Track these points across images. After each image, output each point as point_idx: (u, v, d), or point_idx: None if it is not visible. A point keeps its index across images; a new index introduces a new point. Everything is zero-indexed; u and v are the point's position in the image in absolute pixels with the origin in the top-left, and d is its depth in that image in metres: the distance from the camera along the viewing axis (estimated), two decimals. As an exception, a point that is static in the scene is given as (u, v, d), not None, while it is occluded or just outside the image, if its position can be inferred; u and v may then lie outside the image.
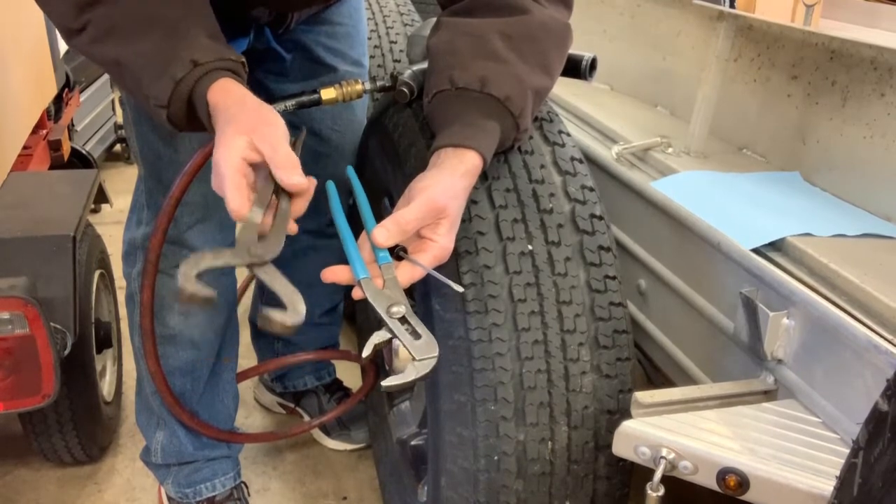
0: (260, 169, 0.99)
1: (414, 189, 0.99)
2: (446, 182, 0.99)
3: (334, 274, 0.99)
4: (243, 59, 1.09)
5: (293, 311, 0.89)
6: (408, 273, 0.98)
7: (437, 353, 0.91)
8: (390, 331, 0.92)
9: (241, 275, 1.94)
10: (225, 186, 0.95)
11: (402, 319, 0.93)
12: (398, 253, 0.99)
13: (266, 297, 1.91)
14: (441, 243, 0.98)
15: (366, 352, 0.93)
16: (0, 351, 1.39)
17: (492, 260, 1.09)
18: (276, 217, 0.97)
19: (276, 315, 0.88)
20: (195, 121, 1.06)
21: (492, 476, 1.09)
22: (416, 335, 0.92)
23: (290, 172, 0.97)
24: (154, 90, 1.03)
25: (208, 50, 1.04)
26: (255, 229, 0.95)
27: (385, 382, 0.91)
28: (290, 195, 0.99)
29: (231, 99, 1.02)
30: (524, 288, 1.08)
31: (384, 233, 0.96)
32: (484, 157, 1.03)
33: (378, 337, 0.93)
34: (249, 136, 0.97)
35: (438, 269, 1.00)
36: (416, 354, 0.91)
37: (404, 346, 0.91)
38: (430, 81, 1.10)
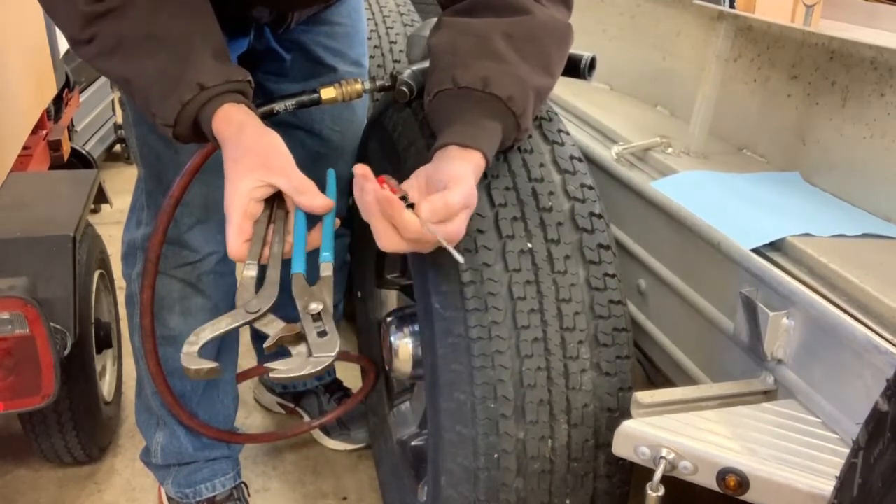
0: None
1: (443, 175, 0.98)
2: (465, 170, 0.99)
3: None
4: (249, 78, 1.10)
5: (299, 356, 0.92)
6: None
7: (335, 353, 0.92)
8: (301, 326, 0.94)
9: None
10: (228, 229, 0.99)
11: (316, 316, 0.94)
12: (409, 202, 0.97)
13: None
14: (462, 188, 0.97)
15: (269, 341, 0.94)
16: (0, 351, 1.39)
17: (491, 258, 1.09)
18: (270, 262, 1.00)
19: (280, 365, 0.91)
20: (201, 136, 1.08)
21: (492, 474, 1.09)
22: (323, 333, 0.93)
23: (313, 197, 1.02)
24: (161, 110, 1.05)
25: (214, 73, 1.05)
26: (252, 285, 0.98)
27: (273, 374, 0.91)
28: (285, 235, 1.03)
29: (232, 128, 1.04)
30: (524, 286, 1.08)
31: (431, 210, 0.95)
32: (487, 157, 1.03)
33: (286, 330, 0.94)
34: (258, 171, 1.00)
35: (438, 258, 1.02)
36: (313, 350, 0.92)
37: (306, 340, 0.92)
38: (431, 80, 1.10)
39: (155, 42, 1.05)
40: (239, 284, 0.98)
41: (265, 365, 0.93)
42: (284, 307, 1.99)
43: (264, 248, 1.01)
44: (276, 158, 1.03)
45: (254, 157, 1.02)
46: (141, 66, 1.06)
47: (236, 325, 0.96)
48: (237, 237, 0.99)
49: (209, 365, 0.92)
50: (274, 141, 1.05)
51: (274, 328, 0.95)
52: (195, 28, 1.08)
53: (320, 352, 0.92)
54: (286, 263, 1.01)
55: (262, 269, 1.00)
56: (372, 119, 1.50)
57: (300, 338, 0.94)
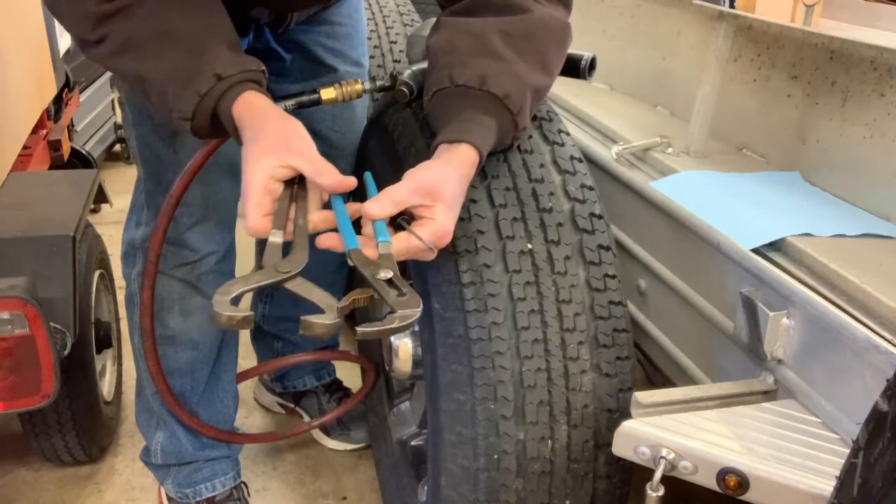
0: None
1: (405, 175, 1.01)
2: (436, 168, 1.01)
3: (329, 239, 1.00)
4: (263, 68, 1.10)
5: (331, 312, 0.91)
6: (404, 242, 0.98)
7: (419, 308, 0.91)
8: (374, 289, 0.93)
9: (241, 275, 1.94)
10: (247, 204, 0.98)
11: (389, 282, 0.94)
12: (400, 222, 1.00)
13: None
14: (439, 221, 0.99)
15: (343, 302, 0.93)
16: (0, 351, 1.39)
17: (491, 259, 1.09)
18: (295, 231, 0.99)
19: (316, 319, 0.90)
20: (219, 129, 1.08)
21: (492, 475, 1.09)
22: (401, 294, 0.92)
23: (333, 176, 1.01)
24: (179, 104, 1.05)
25: (230, 63, 1.05)
26: (279, 250, 0.97)
27: (361, 328, 0.90)
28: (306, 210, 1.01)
29: (254, 113, 1.04)
30: (524, 286, 1.08)
31: (376, 205, 0.98)
32: (478, 148, 1.03)
33: (359, 292, 0.93)
34: (280, 153, 0.99)
35: (438, 259, 1.01)
36: (396, 307, 0.91)
37: (386, 301, 0.91)
38: (430, 80, 1.11)
39: (168, 38, 1.05)
40: (267, 247, 0.97)
41: (359, 328, 0.91)
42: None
43: (287, 223, 0.99)
44: (298, 142, 1.02)
45: (275, 139, 1.01)
46: (155, 63, 1.06)
47: (267, 282, 0.94)
48: (256, 210, 0.97)
49: (243, 313, 0.90)
50: (296, 126, 1.04)
51: (305, 291, 0.94)
52: (207, 21, 1.08)
53: (403, 308, 0.91)
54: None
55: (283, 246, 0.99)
56: (372, 119, 1.49)
57: (372, 300, 0.93)
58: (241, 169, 1.01)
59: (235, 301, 0.92)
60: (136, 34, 1.05)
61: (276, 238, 0.97)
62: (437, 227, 0.98)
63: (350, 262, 0.97)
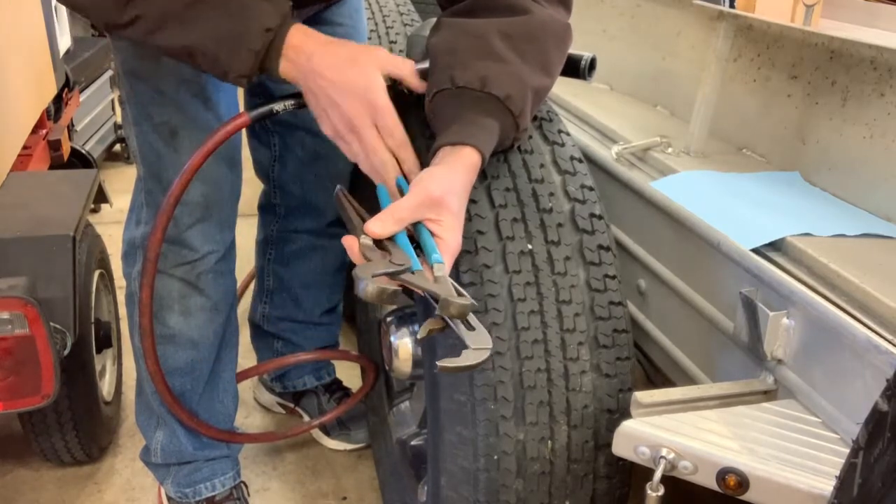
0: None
1: (411, 185, 1.01)
2: (442, 176, 1.00)
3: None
4: (290, 3, 1.12)
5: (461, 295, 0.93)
6: None
7: (490, 346, 0.91)
8: (445, 321, 0.92)
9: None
10: (388, 117, 1.06)
11: None
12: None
13: (265, 297, 1.92)
14: (447, 240, 0.98)
15: (421, 333, 0.93)
16: (0, 351, 1.39)
17: (491, 259, 1.09)
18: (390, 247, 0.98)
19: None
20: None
21: (492, 475, 1.09)
22: (471, 327, 0.92)
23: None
24: (235, 65, 1.08)
25: (273, 14, 1.07)
26: (375, 249, 0.96)
27: (441, 362, 0.90)
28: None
29: (320, 37, 1.09)
30: (524, 287, 1.08)
31: (379, 224, 0.96)
32: (482, 152, 1.03)
33: (433, 323, 0.93)
34: (384, 68, 1.07)
35: None
36: (470, 344, 0.91)
37: (458, 334, 0.92)
38: (430, 81, 1.11)
39: (203, 3, 1.06)
40: (362, 245, 0.96)
41: (438, 363, 0.90)
42: (283, 306, 1.97)
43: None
44: (391, 56, 1.09)
45: (373, 53, 1.08)
46: (198, 31, 1.07)
47: (390, 270, 0.93)
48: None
49: (392, 286, 0.90)
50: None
51: (429, 283, 0.93)
52: None
53: (476, 344, 0.91)
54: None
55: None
56: (372, 119, 1.49)
57: (445, 330, 0.93)
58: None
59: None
60: (168, 8, 1.06)
61: (367, 240, 0.96)
62: (444, 246, 0.98)
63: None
